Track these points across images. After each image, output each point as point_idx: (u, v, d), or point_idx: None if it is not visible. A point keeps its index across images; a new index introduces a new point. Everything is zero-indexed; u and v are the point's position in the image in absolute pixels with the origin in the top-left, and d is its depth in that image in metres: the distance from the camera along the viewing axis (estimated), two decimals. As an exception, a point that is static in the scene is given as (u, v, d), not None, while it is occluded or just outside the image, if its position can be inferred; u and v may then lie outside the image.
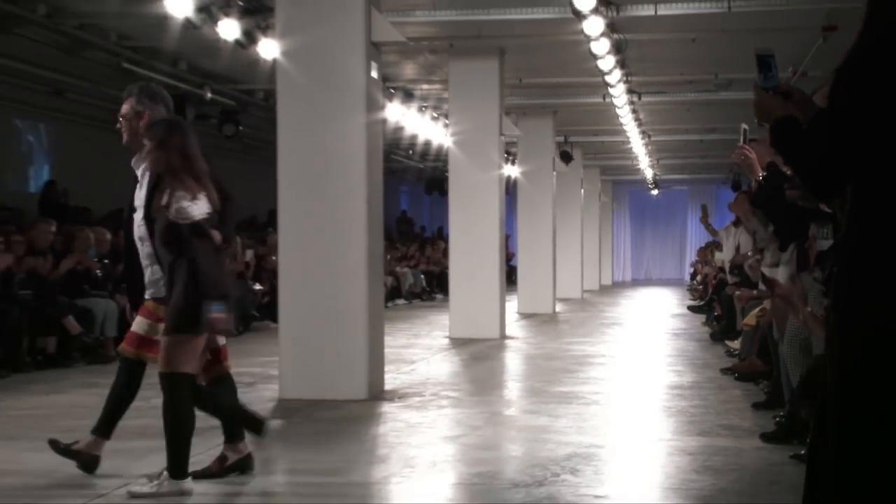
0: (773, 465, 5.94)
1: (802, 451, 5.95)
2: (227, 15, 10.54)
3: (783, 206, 6.41)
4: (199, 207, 5.14)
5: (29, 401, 8.20)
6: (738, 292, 11.42)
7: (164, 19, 10.34)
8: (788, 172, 6.15)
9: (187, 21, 10.10)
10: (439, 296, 22.40)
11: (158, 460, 5.93)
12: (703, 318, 16.20)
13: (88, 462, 5.59)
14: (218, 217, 5.28)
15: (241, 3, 10.78)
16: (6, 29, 11.33)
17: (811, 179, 3.00)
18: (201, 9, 10.02)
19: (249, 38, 10.95)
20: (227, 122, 16.52)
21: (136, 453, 6.16)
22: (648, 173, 28.17)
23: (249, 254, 15.35)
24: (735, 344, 11.14)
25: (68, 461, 5.74)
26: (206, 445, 5.97)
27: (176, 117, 5.51)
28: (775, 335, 7.18)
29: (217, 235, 5.26)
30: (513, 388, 9.98)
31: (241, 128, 16.76)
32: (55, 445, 5.56)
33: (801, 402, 5.80)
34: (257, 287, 15.04)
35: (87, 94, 15.16)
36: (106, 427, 5.67)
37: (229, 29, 10.63)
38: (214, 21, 10.35)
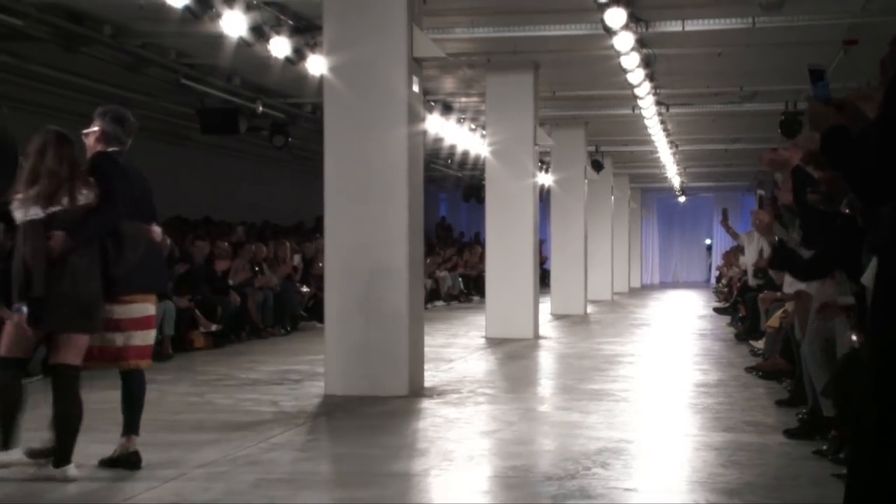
0: (796, 460, 5.86)
1: (825, 447, 5.88)
2: (277, 33, 10.61)
3: (808, 212, 6.33)
4: (32, 210, 5.19)
5: (94, 396, 8.26)
6: (761, 294, 11.31)
7: (219, 38, 10.42)
8: (816, 176, 6.07)
9: (241, 39, 10.18)
10: (476, 298, 22.36)
11: (213, 452, 5.98)
12: (728, 319, 16.05)
13: (130, 460, 5.60)
14: (76, 221, 5.26)
15: (290, 23, 10.84)
16: (74, 48, 11.48)
17: (860, 186, 2.96)
18: (254, 28, 10.10)
19: (298, 54, 11.01)
20: (277, 133, 16.62)
21: (192, 445, 6.21)
22: (676, 181, 27.95)
23: (297, 258, 15.40)
24: (759, 344, 11.01)
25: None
26: (257, 438, 5.98)
27: (59, 130, 5.47)
28: (797, 335, 7.08)
29: (57, 237, 5.19)
30: (546, 385, 9.93)
31: (290, 139, 16.84)
32: (103, 462, 5.62)
33: (834, 399, 5.71)
34: (304, 289, 15.09)
35: (148, 109, 15.32)
36: (130, 426, 5.70)
37: (280, 46, 10.69)
38: (266, 39, 10.43)
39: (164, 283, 6.08)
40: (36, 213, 5.20)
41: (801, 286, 6.89)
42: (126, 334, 5.60)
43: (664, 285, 34.28)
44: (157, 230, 5.79)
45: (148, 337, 5.74)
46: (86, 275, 5.34)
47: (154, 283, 5.80)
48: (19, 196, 5.24)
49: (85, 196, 5.33)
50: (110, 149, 5.62)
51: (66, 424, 5.34)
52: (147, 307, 5.71)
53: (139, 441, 5.70)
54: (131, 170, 5.68)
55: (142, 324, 5.66)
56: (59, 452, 5.31)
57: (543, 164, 19.37)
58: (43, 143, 5.31)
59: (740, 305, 14.54)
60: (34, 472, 5.35)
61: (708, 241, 35.66)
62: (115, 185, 5.43)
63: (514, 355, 11.76)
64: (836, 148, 3.01)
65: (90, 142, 5.66)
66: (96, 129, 5.63)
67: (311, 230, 19.83)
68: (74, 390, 5.39)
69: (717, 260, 30.95)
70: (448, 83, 15.08)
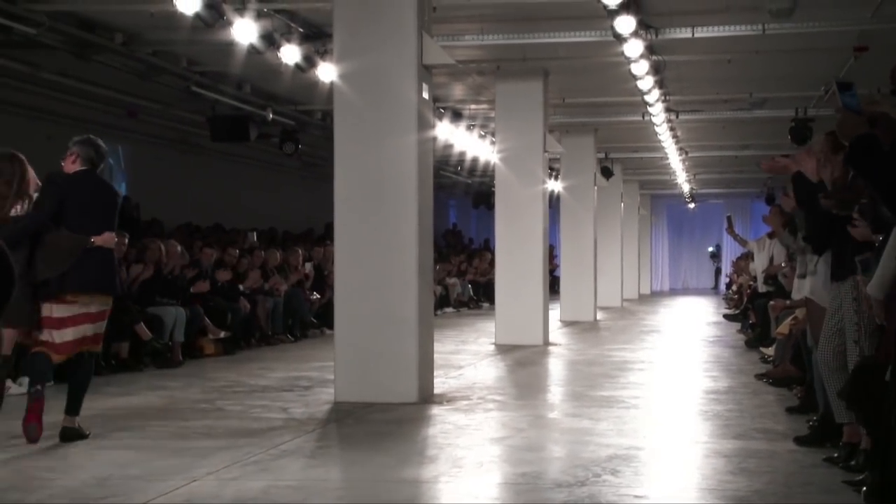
0: (805, 468, 5.83)
1: (836, 454, 5.84)
2: (288, 41, 10.64)
3: (816, 216, 6.30)
4: None
5: (104, 402, 8.31)
6: (772, 301, 11.28)
7: (230, 45, 10.45)
8: (821, 182, 6.05)
9: (251, 47, 10.21)
10: (485, 304, 22.34)
11: (223, 458, 5.99)
12: (738, 325, 16.00)
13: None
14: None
15: (301, 30, 10.87)
16: (86, 56, 11.53)
17: (890, 196, 2.93)
18: (264, 36, 10.12)
19: (309, 62, 11.04)
20: (287, 140, 16.64)
21: (202, 452, 6.21)
22: (685, 188, 27.92)
23: (308, 266, 15.41)
24: (769, 351, 10.97)
25: (139, 460, 5.84)
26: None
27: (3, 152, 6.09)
28: (809, 342, 7.05)
29: None
30: (556, 392, 9.91)
31: (300, 146, 16.87)
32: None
33: (850, 405, 5.66)
34: (315, 296, 15.10)
35: (159, 116, 15.38)
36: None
37: (290, 54, 10.72)
38: (277, 47, 10.45)
39: (106, 284, 6.55)
40: None
41: (807, 292, 6.86)
42: (69, 330, 6.32)
43: (674, 292, 34.23)
44: (108, 237, 6.47)
45: (77, 331, 6.38)
46: None
47: (97, 284, 6.44)
48: None
49: (16, 210, 5.91)
50: (83, 168, 6.51)
51: None
52: (70, 308, 6.34)
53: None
54: (96, 185, 6.57)
55: (60, 322, 6.32)
56: None
57: (553, 171, 19.36)
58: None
59: (750, 312, 14.50)
60: None
61: (711, 249, 35.56)
62: (40, 201, 6.16)
63: (523, 362, 11.74)
64: (865, 157, 2.99)
65: (67, 163, 6.55)
66: (74, 152, 6.54)
67: (321, 237, 19.85)
68: None
69: (727, 267, 30.88)
70: (458, 90, 15.10)
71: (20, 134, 13.89)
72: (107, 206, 6.56)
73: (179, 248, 12.15)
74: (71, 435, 6.44)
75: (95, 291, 6.42)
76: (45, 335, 6.30)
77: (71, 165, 6.53)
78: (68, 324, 6.32)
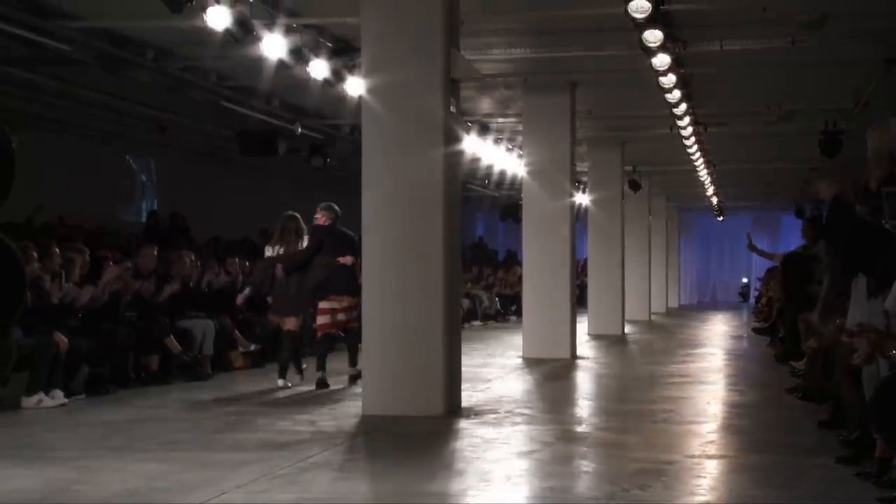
0: (835, 483, 5.76)
1: (868, 470, 5.76)
2: (316, 56, 10.69)
3: (849, 234, 6.25)
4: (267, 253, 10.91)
5: (134, 414, 8.37)
6: (801, 315, 11.16)
7: (259, 61, 10.52)
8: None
9: (280, 62, 10.27)
10: (513, 318, 22.28)
11: (252, 471, 6.01)
12: (767, 339, 15.86)
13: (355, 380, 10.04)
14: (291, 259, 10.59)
15: (329, 45, 10.93)
16: (117, 71, 11.65)
17: None
18: (293, 51, 10.19)
19: (337, 76, 11.08)
20: (315, 154, 16.71)
21: (231, 465, 6.23)
22: (714, 200, 27.76)
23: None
24: (800, 364, 10.86)
25: (168, 473, 5.88)
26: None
27: (288, 214, 10.96)
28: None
29: (278, 268, 10.52)
30: (584, 405, 9.87)
31: (328, 160, 16.94)
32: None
33: (872, 419, 5.59)
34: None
35: (189, 131, 15.51)
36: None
37: (319, 68, 10.77)
38: (305, 61, 10.51)
39: (348, 289, 10.17)
40: (268, 254, 10.78)
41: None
42: (327, 315, 10.25)
43: (703, 305, 34.00)
44: (346, 259, 10.20)
45: (331, 318, 10.28)
46: (293, 285, 10.31)
47: (343, 289, 10.22)
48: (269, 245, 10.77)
49: (298, 246, 10.42)
50: (329, 221, 10.31)
51: (280, 358, 10.39)
52: (331, 303, 10.23)
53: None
54: (338, 231, 10.31)
55: (325, 311, 10.29)
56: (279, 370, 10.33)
57: (580, 184, 19.31)
58: (284, 221, 10.74)
59: (780, 325, 14.36)
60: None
61: (744, 280, 35.24)
62: (310, 243, 10.37)
63: (551, 375, 11.70)
64: None
65: (321, 219, 10.37)
66: (323, 214, 10.35)
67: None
68: (286, 343, 10.33)
69: (755, 280, 30.62)
70: (485, 103, 15.12)
71: (53, 148, 14.07)
72: (346, 241, 10.32)
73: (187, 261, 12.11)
74: (353, 380, 10.04)
75: (342, 294, 10.17)
76: (318, 320, 10.31)
77: (323, 220, 10.31)
78: (327, 312, 10.23)
